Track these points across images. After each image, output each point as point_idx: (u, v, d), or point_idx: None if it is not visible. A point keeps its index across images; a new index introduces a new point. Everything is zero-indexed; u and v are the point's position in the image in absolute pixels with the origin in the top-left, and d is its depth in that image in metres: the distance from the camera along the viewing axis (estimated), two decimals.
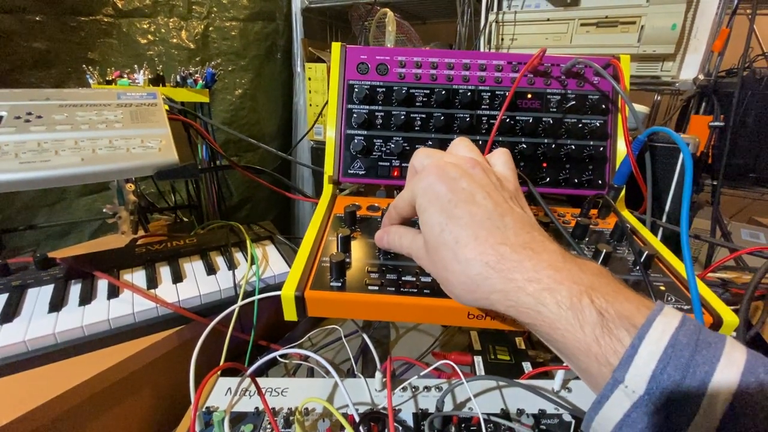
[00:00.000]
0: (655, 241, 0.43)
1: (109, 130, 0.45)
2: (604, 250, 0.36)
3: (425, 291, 0.34)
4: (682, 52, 0.86)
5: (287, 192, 0.71)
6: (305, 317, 0.34)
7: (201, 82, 0.69)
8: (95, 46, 0.98)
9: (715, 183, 0.90)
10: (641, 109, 0.75)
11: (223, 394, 0.41)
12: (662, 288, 0.35)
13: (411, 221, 0.35)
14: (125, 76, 0.66)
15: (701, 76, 0.86)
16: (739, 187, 0.98)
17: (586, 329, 0.22)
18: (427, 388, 0.42)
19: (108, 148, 0.43)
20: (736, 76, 0.84)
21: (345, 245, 0.38)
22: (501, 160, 0.33)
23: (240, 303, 0.46)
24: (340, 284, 0.34)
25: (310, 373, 0.49)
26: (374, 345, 0.55)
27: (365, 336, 0.44)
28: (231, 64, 1.25)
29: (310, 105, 1.42)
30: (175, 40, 1.12)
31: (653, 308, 0.22)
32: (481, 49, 1.01)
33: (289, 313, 0.33)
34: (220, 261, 0.57)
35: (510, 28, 0.97)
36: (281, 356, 0.46)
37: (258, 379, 0.41)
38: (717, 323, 0.32)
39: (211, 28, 1.19)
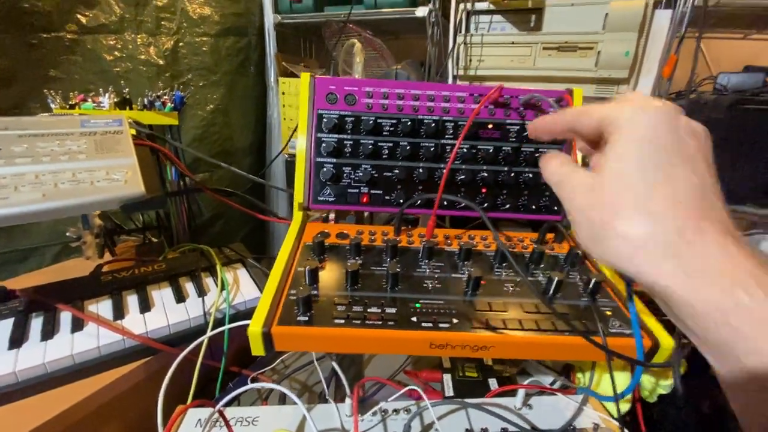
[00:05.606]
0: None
1: (72, 161, 0.45)
2: (557, 278, 0.39)
3: (389, 323, 0.35)
4: (636, 76, 0.92)
5: (259, 214, 0.71)
6: (273, 352, 0.35)
7: (169, 104, 0.68)
8: (58, 64, 0.95)
9: None
10: None
11: (194, 425, 0.41)
12: (608, 313, 0.38)
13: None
14: (89, 99, 0.65)
15: None
16: None
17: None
18: (396, 411, 0.43)
19: (71, 182, 0.42)
20: (684, 99, 0.90)
21: (312, 278, 0.39)
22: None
23: (209, 333, 0.46)
24: (306, 318, 0.35)
25: (282, 397, 0.50)
26: (347, 364, 0.56)
27: (334, 364, 0.45)
28: (202, 79, 1.24)
29: (284, 119, 1.42)
30: (143, 57, 1.10)
31: None
32: (450, 70, 1.05)
33: (257, 348, 0.34)
34: (189, 287, 0.57)
35: (477, 50, 1.01)
36: (253, 381, 0.46)
37: (229, 409, 0.41)
38: (655, 346, 0.35)
39: (181, 44, 1.17)
